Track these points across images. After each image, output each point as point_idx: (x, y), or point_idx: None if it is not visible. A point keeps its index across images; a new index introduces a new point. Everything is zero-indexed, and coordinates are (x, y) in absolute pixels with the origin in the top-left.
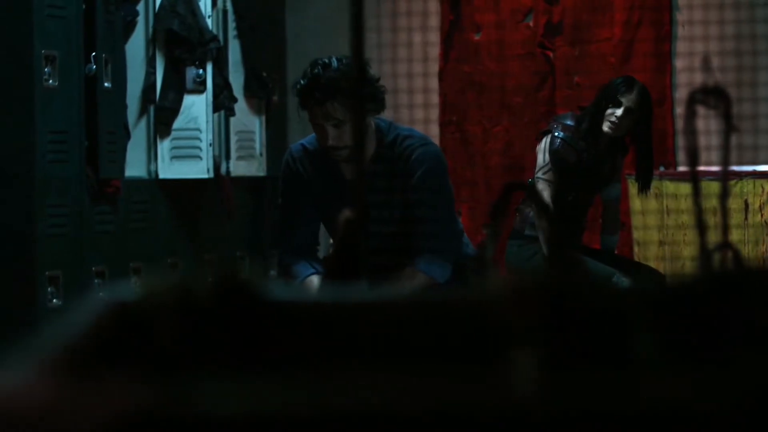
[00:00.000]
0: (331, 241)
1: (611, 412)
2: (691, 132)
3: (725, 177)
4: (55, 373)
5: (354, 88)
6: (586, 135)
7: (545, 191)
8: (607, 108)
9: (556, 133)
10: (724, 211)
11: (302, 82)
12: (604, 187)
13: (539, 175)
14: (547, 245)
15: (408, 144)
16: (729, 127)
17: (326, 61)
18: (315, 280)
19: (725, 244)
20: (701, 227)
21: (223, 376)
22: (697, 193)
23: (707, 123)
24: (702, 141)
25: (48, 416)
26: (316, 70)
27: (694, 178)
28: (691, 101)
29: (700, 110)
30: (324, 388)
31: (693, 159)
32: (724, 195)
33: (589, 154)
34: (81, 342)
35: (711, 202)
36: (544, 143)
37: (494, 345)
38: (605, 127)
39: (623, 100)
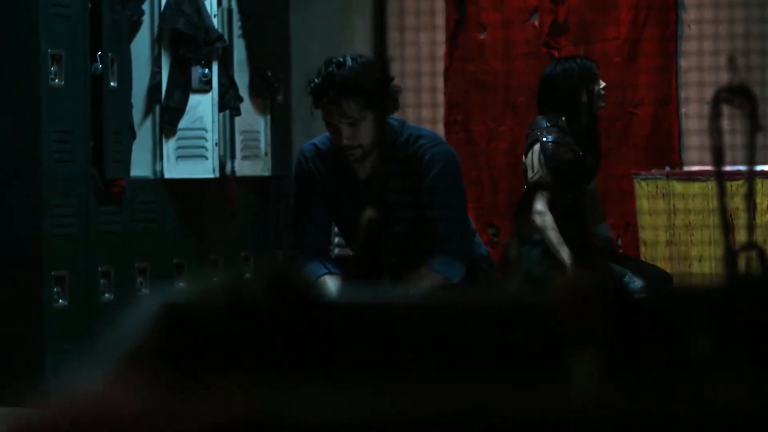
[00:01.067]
0: (337, 240)
1: (670, 415)
2: (716, 131)
3: (752, 176)
4: (132, 378)
5: (377, 87)
6: (571, 128)
7: (541, 199)
8: (589, 88)
9: (544, 138)
10: (753, 210)
11: (316, 80)
12: (593, 177)
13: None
14: (570, 247)
15: (421, 144)
16: (755, 126)
17: (340, 59)
18: (328, 280)
19: (751, 244)
20: (726, 227)
21: (299, 381)
22: (722, 193)
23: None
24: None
25: (141, 420)
26: (330, 69)
27: (720, 177)
28: (717, 100)
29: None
30: (404, 394)
31: (718, 159)
32: (750, 194)
33: (579, 148)
34: (148, 346)
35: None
36: (534, 153)
37: (554, 348)
38: (601, 104)
39: (597, 72)
